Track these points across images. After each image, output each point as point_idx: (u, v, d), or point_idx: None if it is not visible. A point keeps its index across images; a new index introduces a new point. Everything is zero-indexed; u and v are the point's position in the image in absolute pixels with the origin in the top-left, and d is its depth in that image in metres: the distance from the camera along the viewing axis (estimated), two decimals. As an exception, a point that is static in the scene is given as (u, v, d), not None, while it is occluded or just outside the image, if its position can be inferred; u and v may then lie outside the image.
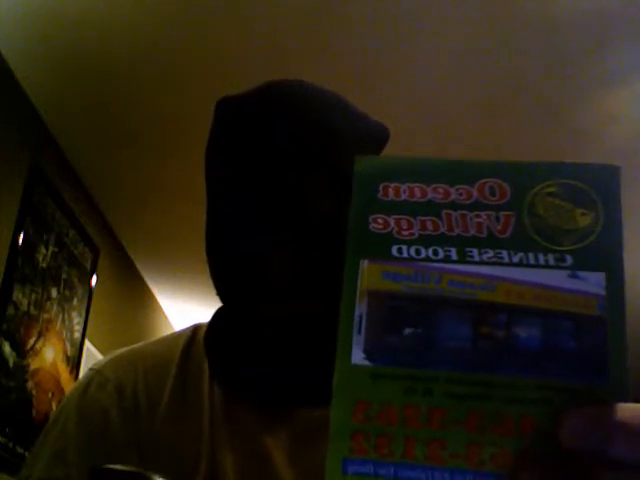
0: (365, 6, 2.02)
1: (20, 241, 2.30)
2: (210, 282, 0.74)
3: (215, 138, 0.78)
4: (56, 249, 2.57)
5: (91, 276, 2.90)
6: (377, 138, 0.78)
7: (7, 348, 2.20)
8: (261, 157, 0.71)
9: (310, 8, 2.03)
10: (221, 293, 0.75)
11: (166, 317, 4.08)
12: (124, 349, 0.82)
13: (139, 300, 3.70)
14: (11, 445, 2.19)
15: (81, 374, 2.78)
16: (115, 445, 0.73)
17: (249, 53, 2.19)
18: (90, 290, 2.88)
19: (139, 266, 3.56)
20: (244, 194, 0.71)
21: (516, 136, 2.54)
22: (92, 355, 2.94)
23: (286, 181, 0.69)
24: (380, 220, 0.46)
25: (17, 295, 2.27)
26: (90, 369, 0.80)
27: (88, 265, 2.87)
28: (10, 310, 2.22)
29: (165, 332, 4.26)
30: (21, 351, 2.29)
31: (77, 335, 2.76)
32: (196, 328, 0.82)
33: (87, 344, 2.87)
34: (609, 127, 2.45)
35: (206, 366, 0.77)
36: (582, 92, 2.31)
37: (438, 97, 2.36)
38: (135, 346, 0.83)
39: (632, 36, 2.08)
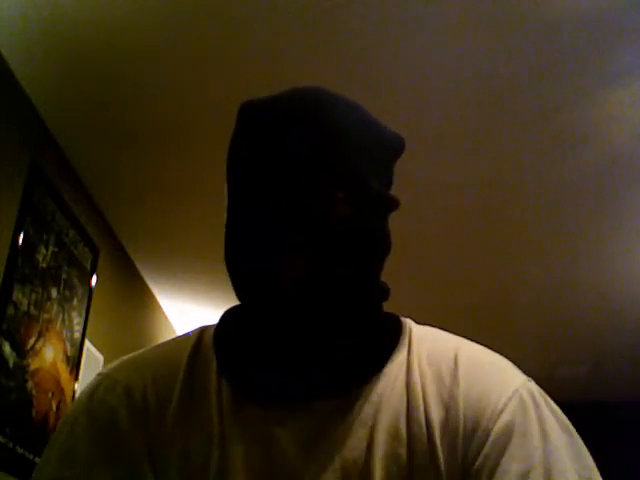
0: (364, 7, 2.02)
1: (20, 241, 2.30)
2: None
3: (234, 142, 0.79)
4: (56, 249, 2.57)
5: (91, 276, 2.90)
6: (392, 148, 0.80)
7: (7, 348, 2.20)
8: (275, 162, 0.72)
9: (310, 10, 2.03)
10: (237, 295, 0.76)
11: (166, 317, 4.08)
12: (131, 354, 0.83)
13: (139, 300, 3.70)
14: (11, 445, 2.19)
15: (81, 374, 2.77)
16: (123, 444, 0.74)
17: (249, 54, 2.19)
18: (90, 290, 2.88)
19: (139, 266, 3.56)
20: (258, 198, 0.72)
21: (516, 136, 2.54)
22: (92, 355, 2.94)
23: (298, 186, 0.70)
24: None
25: (17, 295, 2.27)
26: (98, 374, 0.81)
27: (88, 265, 2.87)
28: (10, 310, 2.22)
29: (165, 332, 4.24)
30: (21, 351, 2.29)
31: (77, 335, 2.76)
32: (202, 331, 0.84)
33: (87, 344, 2.87)
34: (609, 128, 2.45)
35: (213, 366, 0.78)
36: (582, 92, 2.31)
37: (438, 97, 2.36)
38: (142, 351, 0.84)
39: (632, 36, 2.08)
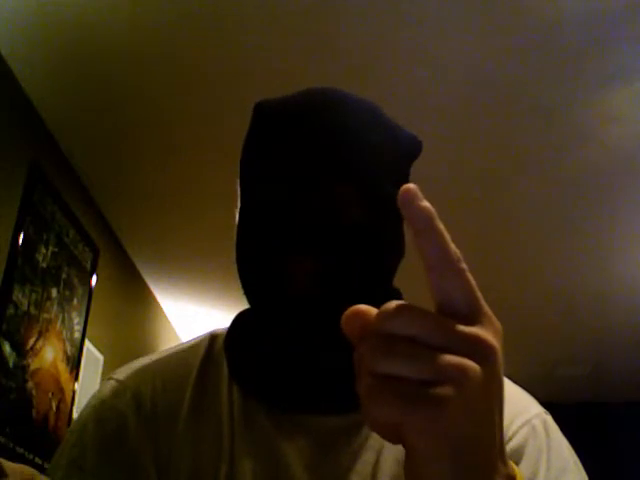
0: (363, 5, 2.02)
1: (20, 241, 2.30)
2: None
3: (247, 142, 0.77)
4: (56, 249, 2.57)
5: (91, 276, 2.90)
6: (408, 151, 0.78)
7: (7, 348, 2.20)
8: (286, 163, 0.71)
9: (308, 8, 2.03)
10: (248, 299, 0.75)
11: (166, 317, 4.08)
12: (141, 359, 0.82)
13: (139, 300, 3.70)
14: (11, 445, 2.19)
15: (81, 374, 2.77)
16: (132, 450, 0.73)
17: (249, 53, 2.19)
18: (90, 290, 2.88)
19: (139, 266, 3.56)
20: (272, 200, 0.71)
21: (516, 136, 2.54)
22: (92, 355, 2.94)
23: (309, 187, 0.69)
24: None
25: (17, 295, 2.27)
26: (109, 378, 0.80)
27: (88, 265, 2.87)
28: (10, 310, 2.22)
29: (165, 332, 4.22)
30: (21, 351, 2.29)
31: (77, 335, 2.76)
32: (213, 336, 0.82)
33: (87, 344, 2.87)
34: (609, 127, 2.45)
35: (225, 372, 0.77)
36: (582, 92, 2.31)
37: (437, 97, 2.36)
38: (152, 356, 0.83)
39: (632, 36, 2.08)
